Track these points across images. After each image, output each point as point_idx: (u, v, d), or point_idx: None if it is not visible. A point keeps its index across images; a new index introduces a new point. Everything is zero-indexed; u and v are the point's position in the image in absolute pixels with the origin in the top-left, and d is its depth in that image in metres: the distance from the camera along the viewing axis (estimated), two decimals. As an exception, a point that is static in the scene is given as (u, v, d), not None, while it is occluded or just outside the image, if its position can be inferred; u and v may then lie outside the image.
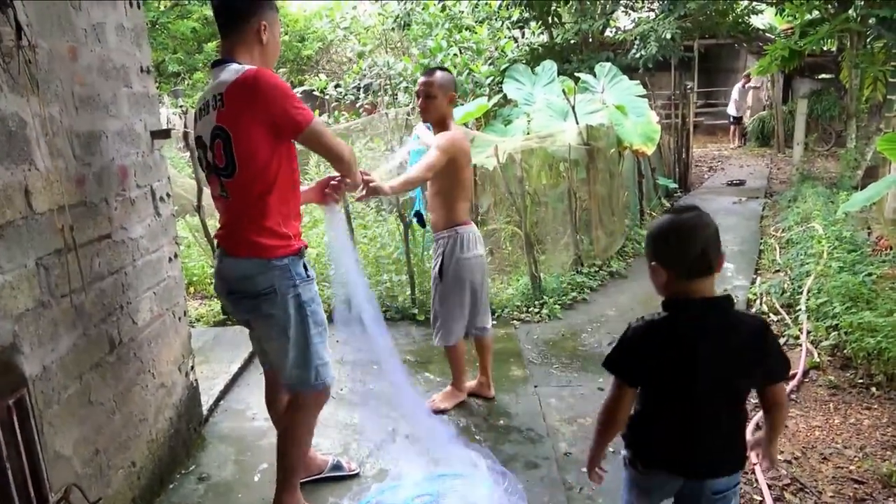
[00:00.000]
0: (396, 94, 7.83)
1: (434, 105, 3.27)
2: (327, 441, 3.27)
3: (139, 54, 2.76)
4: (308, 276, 2.34)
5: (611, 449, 3.11)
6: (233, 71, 2.16)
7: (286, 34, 13.52)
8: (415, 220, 4.09)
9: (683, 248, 1.74)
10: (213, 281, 2.47)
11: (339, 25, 9.34)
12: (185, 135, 4.70)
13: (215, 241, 2.45)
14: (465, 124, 6.93)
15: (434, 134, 3.41)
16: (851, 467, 3.10)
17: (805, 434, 3.42)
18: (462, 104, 7.30)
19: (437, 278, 3.42)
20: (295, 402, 2.48)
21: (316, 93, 9.13)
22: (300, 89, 10.90)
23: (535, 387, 3.85)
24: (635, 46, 9.74)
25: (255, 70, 2.14)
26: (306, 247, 2.40)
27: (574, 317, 5.09)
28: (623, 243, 6.78)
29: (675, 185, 9.89)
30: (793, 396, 3.81)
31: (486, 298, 3.61)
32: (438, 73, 3.30)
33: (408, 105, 5.30)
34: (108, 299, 2.42)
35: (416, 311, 5.05)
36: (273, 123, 2.15)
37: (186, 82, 11.42)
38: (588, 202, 6.17)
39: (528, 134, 6.19)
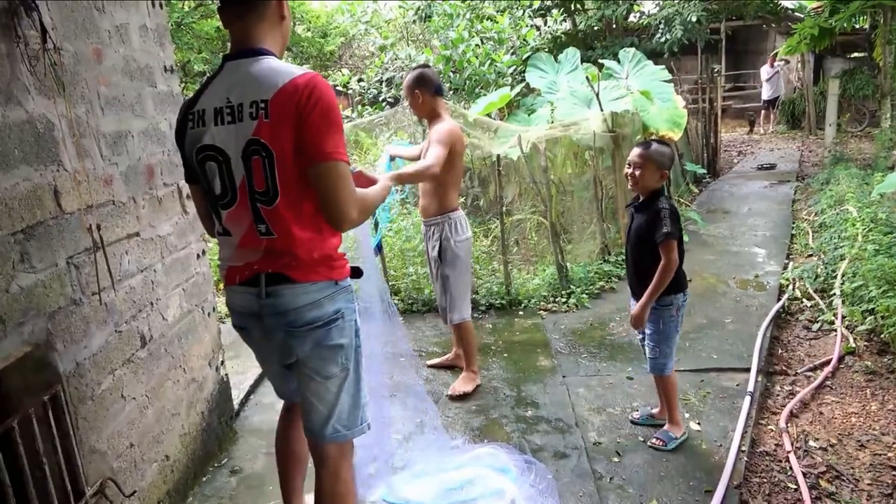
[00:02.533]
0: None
1: (411, 105, 3.56)
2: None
3: (163, 54, 2.79)
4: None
5: (640, 438, 3.10)
6: (277, 71, 1.75)
7: (308, 31, 13.58)
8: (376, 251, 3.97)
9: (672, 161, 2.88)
10: (247, 320, 1.97)
11: (360, 20, 9.34)
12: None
13: (236, 275, 1.93)
14: (489, 114, 6.91)
15: (430, 128, 3.53)
16: (890, 454, 3.03)
17: (841, 421, 3.35)
18: (484, 94, 7.27)
19: (437, 261, 3.64)
20: (341, 452, 2.04)
21: (339, 88, 9.16)
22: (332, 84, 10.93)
23: (564, 377, 3.83)
24: (660, 30, 9.58)
25: (312, 75, 1.75)
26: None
27: (602, 306, 5.05)
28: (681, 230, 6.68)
29: (704, 171, 9.74)
30: (828, 383, 3.74)
31: (470, 281, 3.85)
32: (407, 76, 3.55)
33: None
34: (138, 296, 2.45)
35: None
36: (302, 141, 1.75)
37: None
38: (614, 190, 6.10)
39: (552, 123, 6.13)
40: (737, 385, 3.63)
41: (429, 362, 4.11)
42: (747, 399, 3.40)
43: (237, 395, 3.51)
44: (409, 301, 5.11)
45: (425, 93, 3.46)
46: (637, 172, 2.89)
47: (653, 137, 3.21)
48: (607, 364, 4.01)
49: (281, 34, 1.94)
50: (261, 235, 1.83)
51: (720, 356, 4.00)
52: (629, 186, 2.96)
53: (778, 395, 3.66)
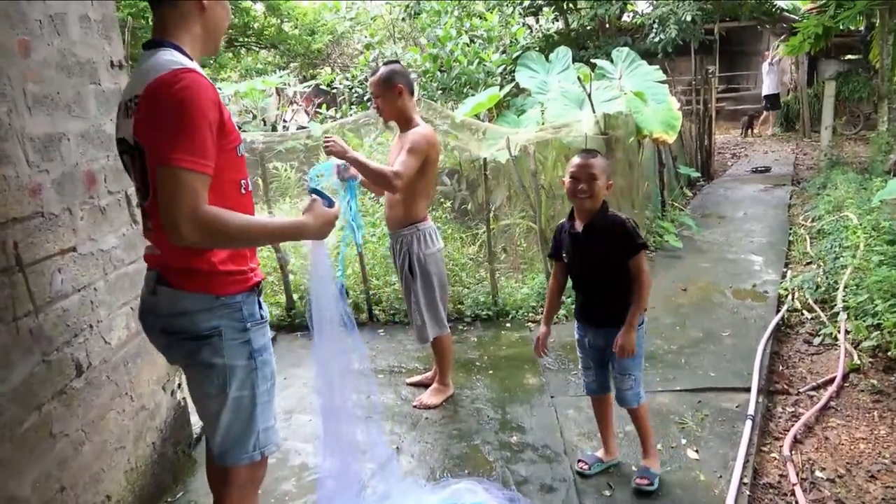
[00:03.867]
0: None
1: (384, 104, 3.24)
2: (327, 460, 3.03)
3: (109, 48, 2.52)
4: (262, 318, 1.90)
5: (634, 467, 2.83)
6: (157, 66, 1.65)
7: (296, 28, 13.29)
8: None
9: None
10: (139, 313, 1.92)
11: (345, 17, 9.06)
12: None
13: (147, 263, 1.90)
14: (477, 115, 6.66)
15: (401, 131, 3.27)
16: (903, 487, 2.80)
17: (848, 447, 3.12)
18: (473, 94, 7.02)
19: (408, 276, 3.38)
20: (224, 479, 1.95)
21: (323, 87, 8.90)
22: (311, 83, 10.67)
23: (552, 397, 3.59)
24: (654, 30, 9.35)
25: (179, 71, 1.62)
26: (262, 280, 1.96)
27: (593, 317, 4.80)
28: (644, 237, 6.45)
29: (698, 174, 9.52)
30: (833, 403, 3.51)
31: (447, 293, 3.61)
32: (380, 70, 3.25)
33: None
34: (74, 319, 2.19)
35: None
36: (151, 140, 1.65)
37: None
38: (606, 195, 5.85)
39: (542, 124, 5.89)
40: (737, 407, 3.39)
41: (408, 380, 3.86)
42: (748, 423, 3.16)
43: (197, 420, 3.24)
44: (391, 312, 4.85)
45: (405, 89, 3.20)
46: (587, 186, 2.52)
47: (593, 150, 2.89)
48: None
49: (201, 25, 1.82)
50: (148, 231, 1.84)
51: (718, 374, 3.76)
52: (580, 203, 2.58)
53: (780, 418, 3.43)
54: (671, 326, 4.53)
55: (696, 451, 3.01)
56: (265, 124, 10.38)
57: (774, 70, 14.37)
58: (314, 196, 1.90)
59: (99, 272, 2.37)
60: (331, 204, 1.92)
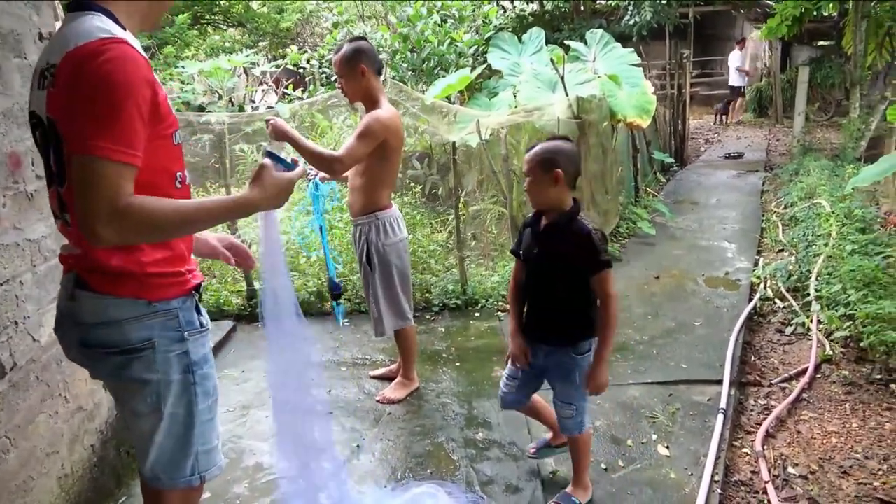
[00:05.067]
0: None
1: (347, 85, 3.07)
2: (282, 461, 2.87)
3: (37, 18, 2.30)
4: (202, 326, 1.69)
5: (603, 466, 2.72)
6: (79, 32, 1.42)
7: (264, 6, 12.93)
8: (331, 291, 3.50)
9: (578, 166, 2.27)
10: (55, 322, 1.69)
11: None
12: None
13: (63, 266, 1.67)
14: (448, 98, 6.48)
15: (366, 113, 3.07)
16: (876, 483, 2.73)
17: (821, 441, 3.05)
18: (444, 76, 6.83)
19: (366, 267, 3.23)
20: (160, 500, 1.75)
21: (290, 66, 8.62)
22: (278, 63, 10.35)
23: (520, 390, 3.46)
24: (629, 12, 9.21)
25: (104, 42, 1.39)
26: (202, 283, 1.74)
27: (564, 306, 4.68)
28: (617, 223, 6.36)
29: (672, 160, 9.45)
30: (805, 396, 3.44)
31: (409, 285, 3.41)
32: (343, 48, 3.05)
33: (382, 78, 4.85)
34: (-5, 316, 2.00)
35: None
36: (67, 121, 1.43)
37: (157, 58, 10.87)
38: (579, 180, 5.73)
39: (514, 107, 5.73)
40: (708, 400, 3.30)
41: (371, 373, 3.71)
42: (720, 417, 3.08)
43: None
44: (357, 301, 4.69)
45: (369, 69, 3.01)
46: (527, 183, 2.25)
47: (556, 134, 2.57)
48: (569, 375, 3.64)
49: None
50: (66, 226, 1.58)
51: (690, 365, 3.68)
52: (529, 198, 2.31)
53: (752, 411, 3.35)
54: (643, 316, 4.44)
55: (667, 447, 2.92)
56: (232, 104, 10.07)
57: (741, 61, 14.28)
58: (265, 161, 1.62)
59: (25, 264, 2.17)
60: (288, 168, 1.65)
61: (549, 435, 2.77)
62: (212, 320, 4.49)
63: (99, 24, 1.44)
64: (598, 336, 2.28)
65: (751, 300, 4.58)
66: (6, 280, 2.07)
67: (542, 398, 2.71)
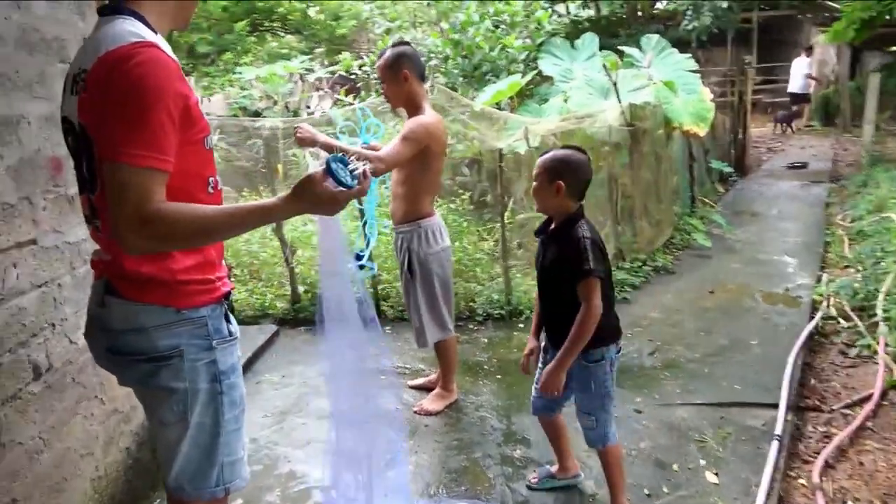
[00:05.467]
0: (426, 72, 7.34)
1: (390, 89, 3.05)
2: (317, 469, 2.84)
3: (82, 24, 2.33)
4: (231, 335, 1.66)
5: (646, 491, 2.59)
6: (111, 36, 1.41)
7: (321, 13, 13.09)
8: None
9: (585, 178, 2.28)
10: (84, 328, 1.69)
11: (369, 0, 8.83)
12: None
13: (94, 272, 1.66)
14: (498, 104, 6.39)
15: (408, 119, 3.04)
16: (946, 523, 2.52)
17: (885, 475, 2.84)
18: (495, 82, 6.75)
19: (407, 276, 3.18)
20: None
21: (342, 73, 8.70)
22: (333, 69, 10.48)
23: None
24: (687, 17, 8.95)
25: (135, 45, 1.39)
26: (232, 291, 1.73)
27: (612, 319, 4.54)
28: (671, 234, 6.16)
29: (731, 169, 9.13)
30: (869, 424, 3.22)
31: (451, 295, 3.33)
32: (387, 53, 3.03)
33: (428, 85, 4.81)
34: (31, 318, 2.02)
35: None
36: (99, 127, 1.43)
37: (216, 64, 11.15)
38: (630, 189, 5.58)
39: (565, 114, 5.61)
40: (762, 425, 3.12)
41: (410, 382, 3.65)
42: (774, 444, 2.90)
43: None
44: (400, 308, 4.64)
45: (412, 74, 2.97)
46: (533, 187, 2.29)
47: (571, 145, 2.50)
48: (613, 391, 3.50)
49: None
50: (97, 231, 1.58)
51: (744, 387, 3.49)
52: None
53: (810, 438, 3.15)
54: (695, 332, 4.26)
55: (716, 473, 2.76)
56: (288, 110, 10.23)
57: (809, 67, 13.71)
58: (315, 172, 1.52)
59: (65, 267, 2.19)
60: (341, 185, 1.53)
61: (554, 467, 2.70)
62: (255, 323, 4.54)
63: (130, 29, 1.43)
64: (568, 339, 2.21)
65: (812, 319, 4.34)
66: (44, 282, 2.09)
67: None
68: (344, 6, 12.30)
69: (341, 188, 1.54)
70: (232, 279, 4.86)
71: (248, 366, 3.91)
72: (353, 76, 8.91)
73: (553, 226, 2.32)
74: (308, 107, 11.13)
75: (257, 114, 9.68)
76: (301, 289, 4.79)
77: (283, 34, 13.47)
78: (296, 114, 9.22)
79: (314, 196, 1.52)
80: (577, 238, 2.18)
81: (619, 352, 2.37)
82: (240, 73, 9.85)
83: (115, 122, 1.36)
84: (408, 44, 3.16)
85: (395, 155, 2.86)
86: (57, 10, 2.20)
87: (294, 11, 12.74)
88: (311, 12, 13.08)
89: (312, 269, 5.03)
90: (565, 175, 2.20)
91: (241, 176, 6.07)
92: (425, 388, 3.55)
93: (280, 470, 2.88)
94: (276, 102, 9.97)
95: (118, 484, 2.44)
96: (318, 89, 12.42)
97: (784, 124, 14.20)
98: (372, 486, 2.46)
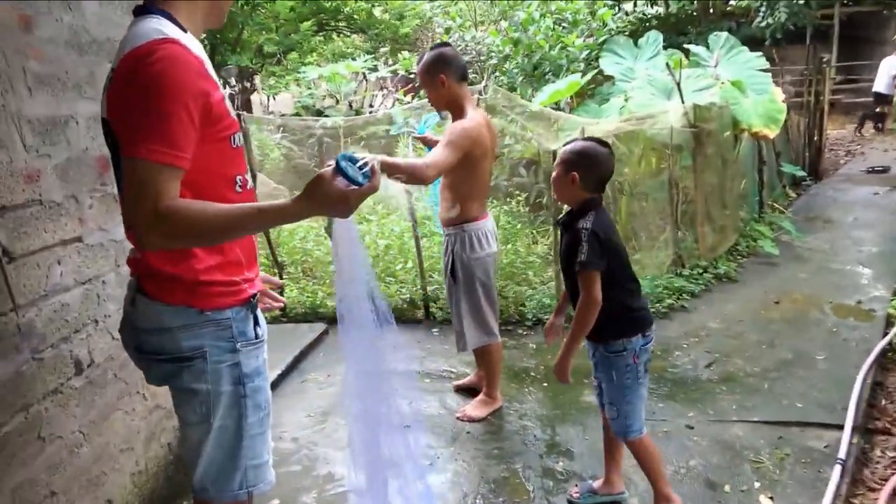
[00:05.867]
0: (485, 72, 7.26)
1: (429, 94, 3.03)
2: (353, 473, 2.82)
3: (134, 25, 2.37)
4: (257, 338, 1.65)
5: None
6: (138, 34, 1.41)
7: (385, 13, 13.21)
8: None
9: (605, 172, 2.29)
10: (119, 325, 1.71)
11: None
12: (238, 117, 4.36)
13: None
14: (557, 104, 6.27)
15: (452, 121, 3.02)
16: None
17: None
18: (555, 81, 6.62)
19: (450, 280, 3.16)
20: None
21: (402, 72, 8.72)
22: (394, 67, 10.53)
23: (609, 418, 3.23)
24: (760, 14, 8.56)
25: (155, 42, 1.38)
26: (257, 294, 1.69)
27: (668, 328, 4.37)
28: (735, 241, 5.90)
29: (804, 173, 8.70)
30: (949, 453, 2.98)
31: (494, 300, 3.28)
32: (425, 57, 3.02)
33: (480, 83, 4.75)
34: (75, 314, 2.06)
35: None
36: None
37: (282, 64, 11.39)
38: (693, 193, 5.36)
39: (625, 114, 5.44)
40: (825, 447, 2.93)
41: (455, 383, 3.66)
42: (837, 469, 2.70)
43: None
44: (448, 310, 4.59)
45: (450, 77, 2.94)
46: (552, 175, 2.34)
47: (594, 137, 2.45)
48: (665, 405, 3.37)
49: None
50: (126, 230, 1.55)
51: (806, 405, 3.29)
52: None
53: (878, 464, 2.94)
54: (756, 344, 4.05)
55: (771, 498, 2.60)
56: (351, 108, 10.35)
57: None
58: (325, 171, 1.48)
59: (109, 264, 2.23)
60: (352, 182, 1.47)
61: (597, 482, 2.61)
62: (305, 322, 4.55)
63: (155, 27, 1.44)
64: (568, 333, 2.27)
65: (886, 334, 4.06)
66: (89, 279, 2.13)
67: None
68: (408, 5, 12.36)
69: (353, 186, 1.48)
70: (284, 277, 4.94)
71: (294, 364, 3.95)
72: (413, 75, 8.93)
73: (570, 213, 2.36)
74: (371, 105, 11.24)
75: (320, 112, 9.82)
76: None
77: (348, 34, 13.66)
78: (358, 112, 9.31)
79: (324, 195, 1.47)
80: (578, 229, 2.21)
81: (646, 344, 2.32)
82: (304, 72, 10.01)
83: (133, 118, 1.37)
84: (448, 45, 3.14)
85: (443, 160, 2.81)
86: (107, 10, 2.25)
87: (360, 11, 12.89)
88: (377, 12, 13.21)
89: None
90: (581, 166, 2.23)
91: (298, 174, 6.16)
92: (470, 389, 3.53)
93: (318, 471, 2.88)
94: (338, 101, 10.11)
95: (158, 479, 2.49)
96: (381, 88, 12.53)
97: (876, 124, 13.39)
98: (406, 494, 2.42)
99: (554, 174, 2.31)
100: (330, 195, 1.47)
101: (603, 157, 2.27)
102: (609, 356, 2.30)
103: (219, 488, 1.67)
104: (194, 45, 1.49)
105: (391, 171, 2.70)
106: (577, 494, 2.60)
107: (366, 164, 1.52)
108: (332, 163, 1.48)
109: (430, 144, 3.37)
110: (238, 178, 1.59)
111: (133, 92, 1.38)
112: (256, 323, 1.67)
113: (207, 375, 1.57)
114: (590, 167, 2.25)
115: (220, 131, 1.50)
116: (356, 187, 1.48)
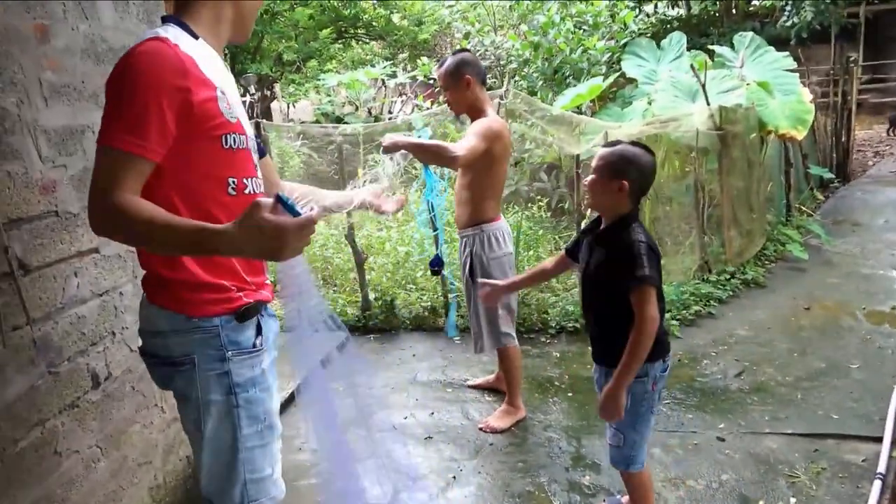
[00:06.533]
0: (505, 76, 7.20)
1: (453, 96, 3.04)
2: (375, 486, 2.76)
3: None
4: (253, 348, 1.58)
5: None
6: (138, 39, 1.45)
7: (404, 19, 13.21)
8: (431, 268, 3.30)
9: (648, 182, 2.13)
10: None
11: (443, 4, 8.76)
12: (258, 125, 4.36)
13: None
14: (579, 107, 6.19)
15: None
16: None
17: None
18: (576, 84, 6.54)
19: (468, 280, 3.16)
20: None
21: (420, 78, 8.69)
22: (413, 73, 10.52)
23: (637, 430, 3.14)
24: (786, 13, 8.40)
25: (135, 45, 1.40)
26: (258, 304, 1.60)
27: (695, 336, 4.27)
28: (763, 245, 5.77)
29: (832, 175, 8.52)
30: None
31: (513, 302, 3.29)
32: (447, 61, 3.05)
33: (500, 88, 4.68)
34: (91, 327, 2.03)
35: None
36: None
37: (302, 71, 11.42)
38: (719, 197, 5.25)
39: (648, 117, 5.35)
40: (863, 461, 2.81)
41: (469, 382, 3.69)
42: (877, 484, 2.60)
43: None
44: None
45: (474, 79, 2.96)
46: (590, 180, 2.11)
47: (638, 141, 2.23)
48: (694, 416, 3.27)
49: (232, 8, 1.59)
50: None
51: (842, 416, 3.18)
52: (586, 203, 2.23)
53: (920, 479, 2.82)
54: (787, 353, 3.93)
55: (808, 514, 2.50)
56: (370, 115, 10.34)
57: None
58: (261, 199, 1.27)
59: (127, 275, 2.20)
60: (295, 214, 1.29)
61: (625, 497, 2.50)
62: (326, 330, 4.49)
63: (156, 30, 1.46)
64: (624, 357, 2.00)
65: (923, 342, 3.93)
66: (105, 291, 2.10)
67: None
68: (427, 11, 12.35)
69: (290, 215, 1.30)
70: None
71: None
72: (431, 80, 8.89)
73: (603, 226, 2.15)
74: (391, 112, 11.22)
75: (339, 119, 9.83)
76: (372, 296, 4.76)
77: (367, 40, 13.68)
78: (377, 119, 9.29)
79: (255, 221, 1.25)
80: (631, 241, 2.01)
81: (665, 370, 2.17)
82: (323, 79, 10.04)
83: (107, 108, 1.37)
84: (468, 51, 3.20)
85: (472, 148, 2.82)
86: (125, 19, 2.22)
87: (378, 18, 12.91)
88: (395, 18, 13.22)
89: (384, 275, 5.00)
90: (632, 174, 2.04)
91: (318, 181, 6.15)
92: (486, 388, 3.60)
93: (337, 484, 2.82)
94: (357, 108, 10.10)
95: (177, 493, 2.45)
96: (401, 94, 12.52)
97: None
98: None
99: (594, 177, 2.09)
100: (262, 224, 1.25)
101: (652, 166, 2.10)
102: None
103: (220, 500, 1.63)
104: (192, 47, 1.46)
105: (417, 151, 2.72)
106: None
107: (305, 206, 1.39)
108: (269, 199, 1.29)
109: None
110: (231, 180, 1.53)
111: (110, 84, 1.39)
112: (259, 332, 1.61)
113: (197, 383, 1.54)
114: (640, 178, 2.07)
115: (208, 131, 1.46)
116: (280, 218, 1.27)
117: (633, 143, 2.16)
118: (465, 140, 2.87)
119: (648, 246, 2.02)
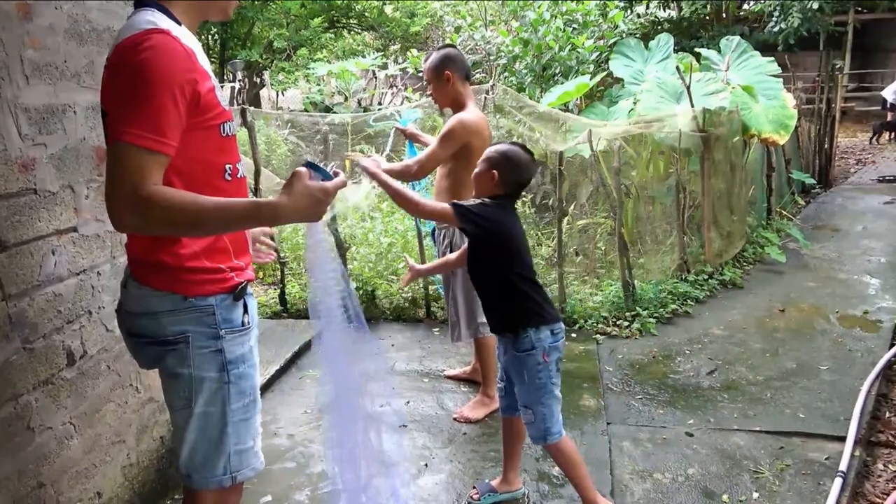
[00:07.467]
0: (494, 71, 7.23)
1: (435, 90, 3.12)
2: (348, 471, 2.80)
3: (135, 15, 2.35)
4: (243, 326, 1.65)
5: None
6: (130, 27, 1.45)
7: (396, 10, 13.19)
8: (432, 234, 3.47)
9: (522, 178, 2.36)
10: (116, 310, 1.73)
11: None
12: (244, 111, 4.36)
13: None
14: (566, 105, 6.24)
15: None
16: None
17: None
18: (563, 82, 6.58)
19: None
20: (192, 500, 1.74)
21: (411, 70, 8.70)
22: (403, 65, 10.52)
23: (608, 424, 3.20)
24: (774, 18, 8.48)
25: (145, 32, 1.41)
26: (248, 283, 1.70)
27: (671, 334, 4.33)
28: (742, 247, 5.84)
29: (813, 181, 8.63)
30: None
31: None
32: (432, 56, 3.14)
33: (487, 83, 4.71)
34: (68, 305, 2.04)
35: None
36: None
37: (292, 60, 11.38)
38: (700, 198, 5.31)
39: (634, 116, 5.40)
40: (826, 458, 2.88)
41: (447, 372, 3.74)
42: (838, 481, 2.66)
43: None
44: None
45: (455, 75, 3.01)
46: (475, 172, 2.41)
47: (517, 142, 2.50)
48: (665, 411, 3.33)
49: None
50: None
51: (809, 416, 3.25)
52: None
53: (880, 477, 2.89)
54: (760, 353, 4.00)
55: (770, 509, 2.56)
56: (359, 105, 10.34)
57: None
58: (300, 168, 1.50)
59: (105, 255, 2.22)
60: (326, 178, 1.53)
61: (495, 481, 2.61)
62: (306, 318, 4.53)
63: (149, 18, 1.46)
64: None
65: (892, 346, 4.01)
66: (83, 270, 2.12)
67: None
68: (419, 3, 12.34)
69: (324, 180, 1.53)
70: (286, 273, 4.91)
71: (293, 360, 3.93)
72: (421, 73, 8.91)
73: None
74: (380, 103, 11.22)
75: (329, 109, 9.83)
76: (353, 285, 4.78)
77: (359, 31, 13.65)
78: (366, 110, 9.30)
79: (305, 188, 1.47)
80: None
81: (557, 342, 2.30)
82: (313, 69, 10.02)
83: (121, 105, 1.40)
84: (454, 46, 3.30)
85: (429, 159, 2.99)
86: (109, 2, 2.23)
87: (371, 8, 12.89)
88: (388, 10, 13.20)
89: (366, 265, 5.02)
90: (501, 168, 2.29)
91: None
92: (462, 380, 3.63)
93: (312, 469, 2.85)
94: (346, 98, 10.10)
95: (150, 472, 2.47)
96: (391, 86, 12.51)
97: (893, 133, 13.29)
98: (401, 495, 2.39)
99: (477, 169, 2.36)
100: (311, 190, 1.48)
101: (525, 163, 2.33)
102: (519, 355, 2.27)
103: (203, 475, 1.67)
104: (186, 37, 1.51)
105: (378, 179, 2.69)
106: (478, 496, 2.58)
107: (330, 166, 1.59)
108: (302, 167, 1.51)
109: (410, 138, 3.46)
110: (228, 166, 1.62)
111: (121, 80, 1.41)
112: (246, 311, 1.68)
113: (191, 360, 1.59)
114: (509, 172, 2.30)
115: (209, 120, 1.53)
116: (324, 182, 1.52)
117: (514, 143, 2.44)
118: (427, 150, 3.02)
119: (475, 205, 2.26)
